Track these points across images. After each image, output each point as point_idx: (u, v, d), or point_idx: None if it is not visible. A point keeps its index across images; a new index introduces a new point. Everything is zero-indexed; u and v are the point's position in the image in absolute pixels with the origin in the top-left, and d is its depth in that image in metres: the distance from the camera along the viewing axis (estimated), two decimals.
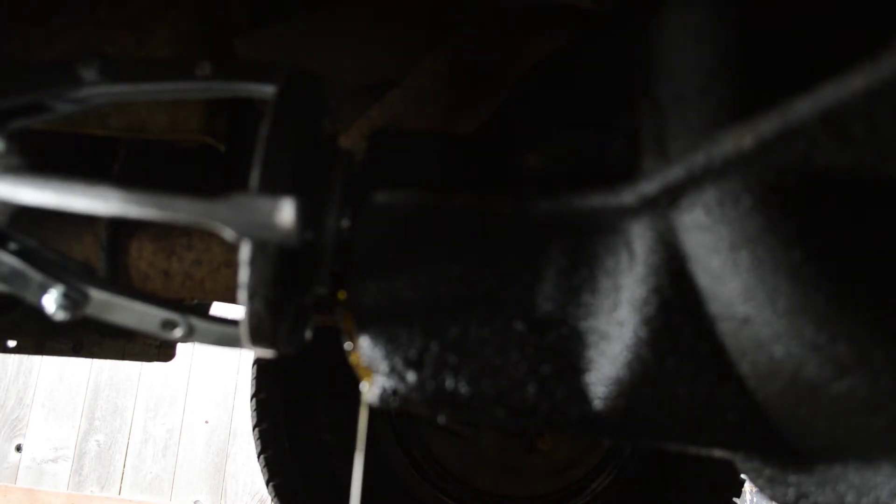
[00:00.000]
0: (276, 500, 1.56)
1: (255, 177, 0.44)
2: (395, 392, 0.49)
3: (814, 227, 0.41)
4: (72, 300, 0.48)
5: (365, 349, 0.50)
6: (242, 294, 0.45)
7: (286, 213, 0.41)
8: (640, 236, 0.46)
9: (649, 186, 0.45)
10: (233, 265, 0.78)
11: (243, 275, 0.45)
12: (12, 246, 0.49)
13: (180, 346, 1.42)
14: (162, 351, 1.28)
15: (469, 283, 0.51)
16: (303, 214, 0.42)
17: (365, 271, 0.51)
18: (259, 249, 0.44)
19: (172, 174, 0.96)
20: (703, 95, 0.44)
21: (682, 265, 0.45)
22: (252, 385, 1.59)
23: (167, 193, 0.42)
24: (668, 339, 0.45)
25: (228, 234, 0.43)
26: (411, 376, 0.49)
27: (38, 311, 0.50)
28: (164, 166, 0.94)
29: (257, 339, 0.48)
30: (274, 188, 0.44)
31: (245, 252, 0.44)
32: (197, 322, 0.50)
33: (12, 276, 0.48)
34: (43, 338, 1.10)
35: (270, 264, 0.45)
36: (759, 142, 0.39)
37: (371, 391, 0.50)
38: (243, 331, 0.48)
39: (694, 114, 0.44)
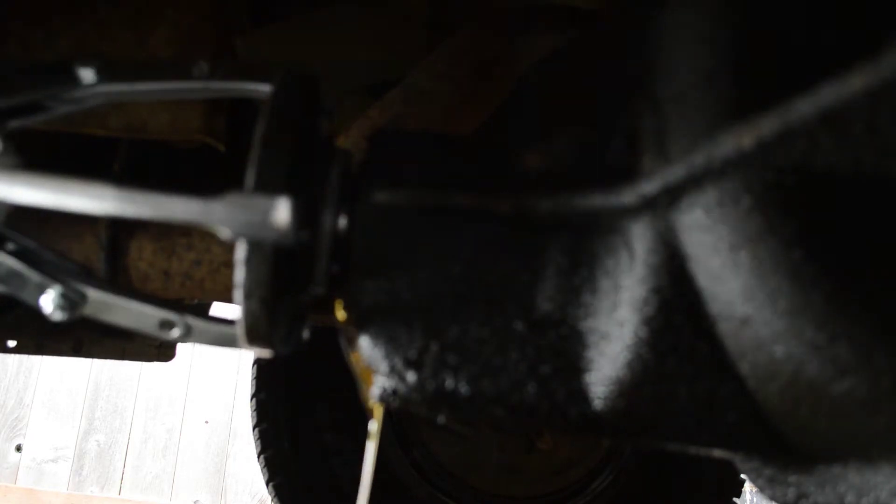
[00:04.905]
0: (276, 500, 1.56)
1: (250, 176, 0.44)
2: (395, 392, 0.49)
3: (814, 227, 0.41)
4: (69, 300, 0.48)
5: (364, 349, 0.50)
6: (238, 294, 0.45)
7: (281, 212, 0.41)
8: (640, 236, 0.46)
9: (649, 186, 0.45)
10: (232, 265, 0.78)
11: (239, 274, 0.45)
12: (10, 246, 0.49)
13: (180, 346, 1.42)
14: (162, 351, 1.28)
15: (469, 283, 0.51)
16: (298, 214, 0.42)
17: (364, 271, 0.51)
18: (255, 249, 0.44)
19: (172, 174, 0.96)
20: (703, 95, 0.44)
21: (682, 265, 0.45)
22: (252, 385, 1.59)
23: (163, 193, 0.42)
24: (668, 339, 0.45)
25: (224, 233, 0.43)
26: (411, 376, 0.49)
27: (38, 312, 0.50)
28: (164, 166, 0.94)
29: (253, 339, 0.48)
30: (269, 188, 0.44)
31: (241, 252, 0.44)
32: (194, 322, 0.50)
33: (10, 276, 0.48)
34: (43, 338, 1.10)
35: (266, 264, 0.44)
36: (759, 142, 0.39)
37: (371, 391, 0.50)
38: (239, 331, 0.47)
39: (694, 114, 0.44)
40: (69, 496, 2.69)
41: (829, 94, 0.37)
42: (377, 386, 0.50)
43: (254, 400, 1.58)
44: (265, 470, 1.56)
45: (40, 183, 0.42)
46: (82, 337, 1.14)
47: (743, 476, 1.62)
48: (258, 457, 1.56)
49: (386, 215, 0.52)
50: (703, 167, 0.41)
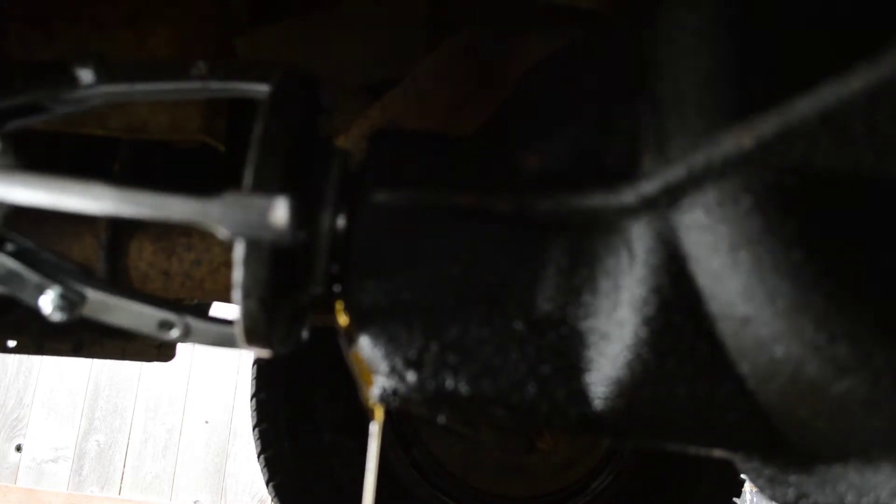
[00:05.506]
0: (276, 500, 1.56)
1: (248, 176, 0.44)
2: (395, 392, 0.49)
3: (814, 227, 0.41)
4: (68, 301, 0.48)
5: (364, 349, 0.50)
6: (237, 293, 0.45)
7: (279, 211, 0.41)
8: (640, 236, 0.46)
9: (649, 186, 0.45)
10: (232, 265, 0.78)
11: (237, 274, 0.45)
12: (9, 247, 0.49)
13: (180, 347, 1.42)
14: (162, 351, 1.28)
15: (469, 283, 0.51)
16: (296, 213, 0.42)
17: (364, 271, 0.51)
18: (253, 248, 0.44)
19: (173, 174, 0.96)
20: (703, 95, 0.44)
21: (682, 265, 0.45)
22: (252, 385, 1.59)
23: (161, 192, 0.42)
24: (668, 339, 0.45)
25: (222, 232, 0.43)
26: (411, 376, 0.49)
27: (38, 312, 0.50)
28: (164, 166, 0.94)
29: (252, 338, 0.48)
30: (268, 187, 0.44)
31: (239, 251, 0.44)
32: (194, 322, 0.50)
33: (9, 277, 0.48)
34: (43, 338, 1.10)
35: (264, 264, 0.45)
36: (759, 142, 0.39)
37: (371, 391, 0.50)
38: (238, 331, 0.47)
39: (694, 114, 0.44)
40: (69, 496, 2.69)
41: (829, 94, 0.37)
42: (377, 386, 0.50)
43: (254, 400, 1.58)
44: (265, 470, 1.56)
45: (38, 183, 0.42)
46: (82, 337, 1.14)
47: (743, 476, 1.62)
48: (258, 457, 1.56)
49: (385, 215, 0.52)
50: (703, 167, 0.41)
